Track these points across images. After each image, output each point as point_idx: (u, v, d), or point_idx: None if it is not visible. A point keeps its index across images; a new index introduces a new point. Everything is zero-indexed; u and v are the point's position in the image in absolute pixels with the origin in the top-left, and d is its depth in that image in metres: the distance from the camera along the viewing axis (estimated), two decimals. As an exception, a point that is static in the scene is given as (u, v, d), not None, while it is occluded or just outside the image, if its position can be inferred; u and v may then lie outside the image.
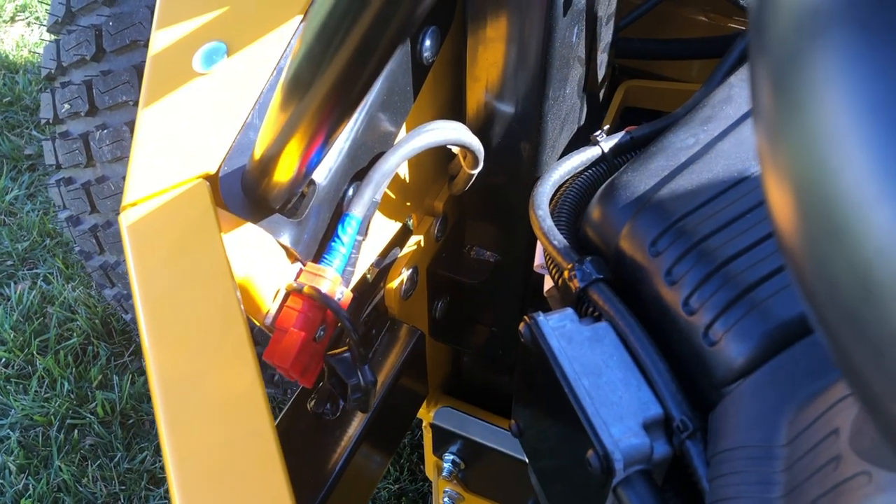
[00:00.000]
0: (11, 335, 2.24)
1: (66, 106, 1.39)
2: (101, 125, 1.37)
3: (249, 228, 0.73)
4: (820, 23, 0.26)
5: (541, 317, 0.72)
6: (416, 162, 0.99)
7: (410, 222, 1.08)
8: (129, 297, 1.60)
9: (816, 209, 0.29)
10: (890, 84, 0.26)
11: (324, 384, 0.91)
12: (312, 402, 0.94)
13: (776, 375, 0.61)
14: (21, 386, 2.16)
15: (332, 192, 0.80)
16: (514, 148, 0.97)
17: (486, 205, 1.07)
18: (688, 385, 0.66)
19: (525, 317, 0.73)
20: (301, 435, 0.92)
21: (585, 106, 1.11)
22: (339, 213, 0.81)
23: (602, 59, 1.13)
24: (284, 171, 0.69)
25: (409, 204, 1.03)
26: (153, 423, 2.08)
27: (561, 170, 0.90)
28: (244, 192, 0.74)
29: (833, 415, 0.52)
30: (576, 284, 0.75)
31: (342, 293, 0.78)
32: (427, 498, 1.91)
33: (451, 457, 1.43)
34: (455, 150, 0.94)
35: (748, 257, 0.66)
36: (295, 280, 0.77)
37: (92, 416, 2.07)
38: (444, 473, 1.44)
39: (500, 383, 1.40)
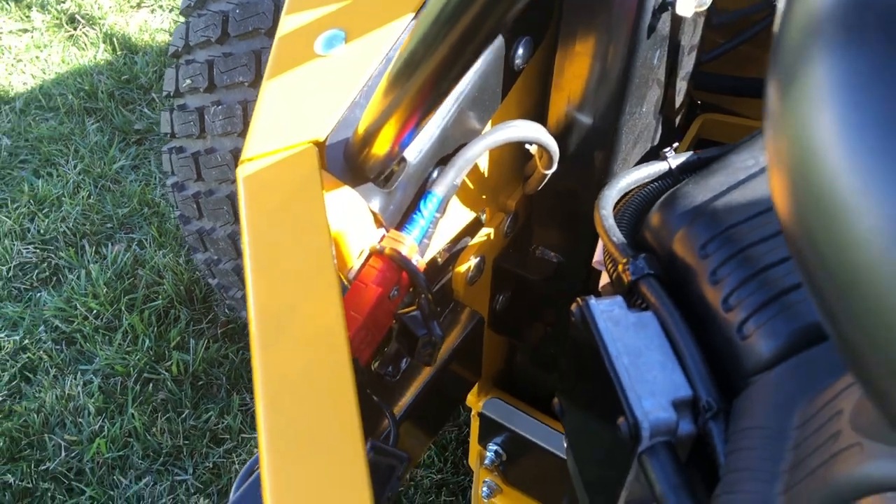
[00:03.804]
0: (104, 290, 2.42)
1: (188, 81, 1.53)
2: (216, 101, 1.51)
3: (346, 192, 0.84)
4: (815, 31, 0.34)
5: (592, 299, 0.80)
6: (496, 159, 1.08)
7: (484, 216, 1.17)
8: (218, 262, 1.74)
9: (806, 189, 0.37)
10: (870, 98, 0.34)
11: (389, 348, 1.01)
12: (377, 364, 1.04)
13: (798, 369, 0.67)
14: (107, 337, 2.33)
15: (419, 172, 0.90)
16: (588, 156, 1.06)
17: (556, 208, 1.16)
18: (718, 374, 0.74)
19: (577, 299, 0.81)
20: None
21: (661, 129, 1.18)
22: (422, 191, 0.91)
23: (681, 86, 1.20)
24: (381, 146, 0.80)
25: (484, 197, 1.12)
26: (221, 386, 2.22)
27: (629, 178, 0.98)
28: (345, 161, 0.84)
29: (839, 400, 0.59)
30: (628, 277, 0.82)
31: (417, 260, 0.88)
32: (466, 493, 1.99)
33: (495, 447, 1.50)
34: (532, 150, 1.03)
35: (785, 266, 0.73)
36: (378, 243, 0.87)
37: (166, 374, 2.23)
38: (485, 462, 1.52)
39: (549, 383, 1.47)
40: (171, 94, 1.60)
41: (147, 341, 2.30)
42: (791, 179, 0.38)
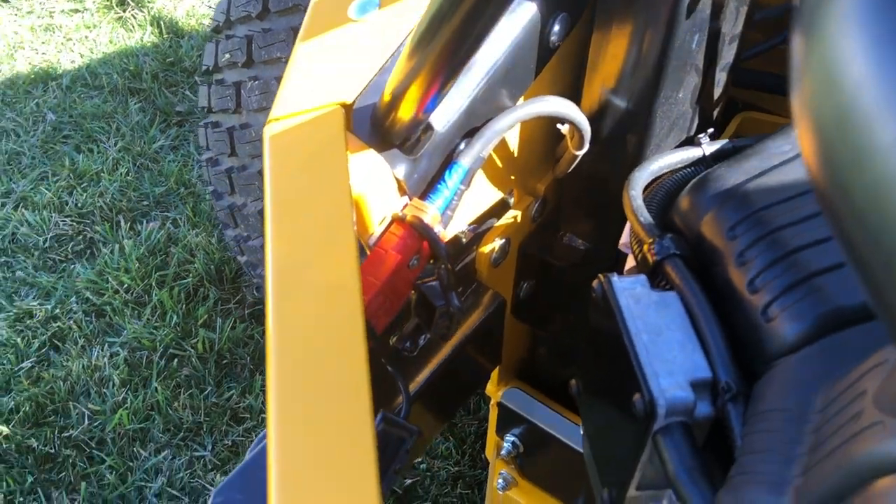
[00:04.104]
0: (136, 265, 2.45)
1: (227, 56, 1.55)
2: (253, 76, 1.52)
3: (371, 157, 0.84)
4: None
5: (614, 276, 0.78)
6: (526, 139, 1.07)
7: (511, 199, 1.16)
8: (247, 238, 1.75)
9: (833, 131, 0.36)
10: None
11: (408, 324, 1.00)
12: (395, 338, 1.03)
13: (823, 353, 0.65)
14: (136, 312, 2.36)
15: (445, 141, 0.89)
16: (621, 140, 1.04)
17: (586, 193, 1.14)
18: (739, 358, 0.71)
19: (599, 275, 0.79)
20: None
21: (697, 119, 1.16)
22: (448, 162, 0.90)
23: (720, 77, 1.18)
24: (406, 110, 0.79)
25: (513, 178, 1.11)
26: (245, 366, 2.23)
27: (660, 162, 0.96)
28: (372, 125, 0.84)
29: (863, 381, 0.57)
30: (653, 257, 0.81)
31: (439, 231, 0.87)
32: (482, 487, 1.97)
33: (513, 438, 1.49)
34: (564, 130, 1.02)
35: (816, 250, 0.71)
36: (400, 211, 0.86)
37: (192, 350, 2.25)
38: (502, 452, 1.50)
39: (571, 376, 1.45)
40: (210, 68, 1.62)
41: (175, 318, 2.32)
42: (820, 122, 0.36)
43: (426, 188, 0.90)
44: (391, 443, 0.90)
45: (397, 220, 0.85)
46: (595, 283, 0.79)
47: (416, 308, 0.91)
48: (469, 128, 0.91)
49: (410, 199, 0.88)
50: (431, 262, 0.90)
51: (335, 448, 0.68)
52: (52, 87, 3.16)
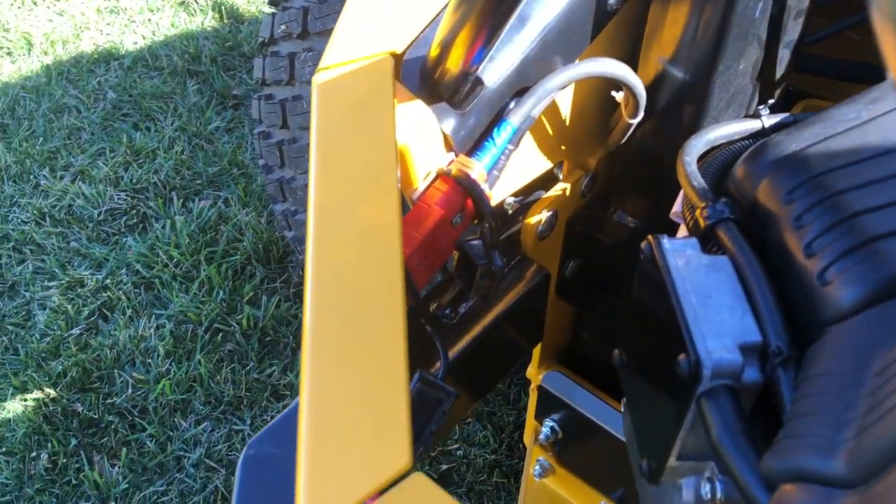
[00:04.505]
0: (186, 241, 2.49)
1: (283, 27, 1.55)
2: (307, 48, 1.52)
3: (419, 108, 0.82)
4: None
5: (664, 237, 0.76)
6: (579, 107, 1.05)
7: (560, 172, 1.14)
8: (295, 213, 1.76)
9: None
10: None
11: (450, 290, 0.98)
12: (435, 305, 1.01)
13: (882, 317, 0.62)
14: (184, 286, 2.39)
15: (495, 98, 0.87)
16: (677, 111, 1.01)
17: (638, 168, 1.11)
18: (792, 324, 0.68)
19: (649, 236, 0.77)
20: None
21: (757, 97, 1.12)
22: (497, 120, 0.88)
23: (783, 55, 1.14)
24: (454, 61, 0.78)
25: (563, 148, 1.09)
26: (287, 345, 2.24)
27: (718, 131, 0.92)
28: (421, 77, 0.83)
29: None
30: (705, 221, 0.78)
31: (485, 190, 0.85)
32: (519, 476, 1.94)
33: (551, 423, 1.46)
34: (618, 98, 0.99)
35: (878, 214, 0.67)
36: (446, 166, 0.85)
37: (236, 326, 2.27)
38: (540, 437, 1.47)
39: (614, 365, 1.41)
40: (266, 40, 1.63)
41: (221, 293, 2.34)
42: None
43: (473, 146, 0.88)
44: (428, 403, 0.89)
45: (442, 175, 0.84)
46: (643, 245, 0.77)
47: (457, 268, 0.90)
48: (520, 86, 0.89)
49: (457, 156, 0.87)
50: (475, 222, 0.89)
51: (368, 398, 0.66)
52: (114, 67, 3.24)
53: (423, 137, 0.84)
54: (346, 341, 0.65)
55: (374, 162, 0.76)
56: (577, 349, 1.47)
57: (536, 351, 1.42)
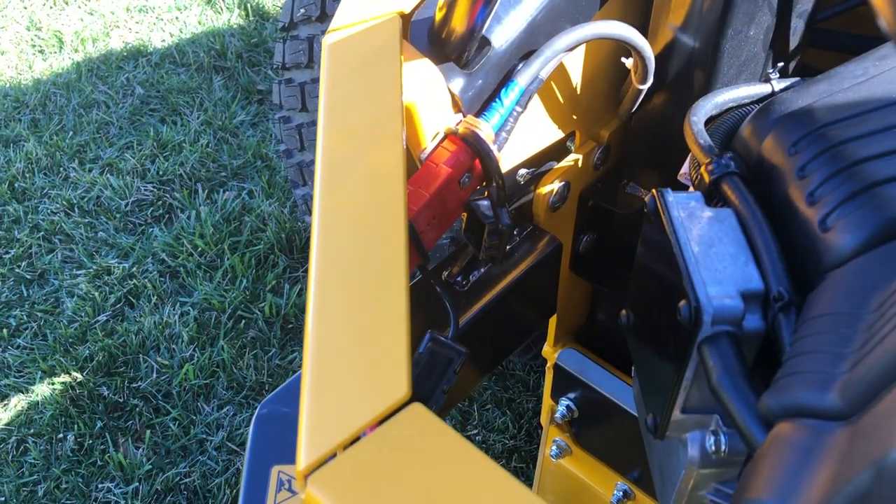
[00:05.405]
0: (211, 231, 2.52)
1: (302, 11, 1.58)
2: (326, 30, 1.54)
3: (426, 67, 0.84)
4: None
5: (668, 190, 0.76)
6: (589, 76, 1.05)
7: (572, 144, 1.14)
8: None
9: None
10: None
11: (461, 258, 1.00)
12: (447, 273, 1.02)
13: (881, 258, 0.62)
14: (208, 274, 2.43)
15: (503, 59, 0.88)
16: (687, 77, 1.01)
17: (649, 138, 1.12)
18: (794, 271, 0.68)
19: (653, 189, 0.77)
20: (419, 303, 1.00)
21: (769, 66, 1.12)
22: (505, 82, 0.89)
23: (797, 25, 1.13)
24: (458, 19, 0.79)
25: (574, 118, 1.09)
26: (308, 331, 2.26)
27: (727, 94, 0.92)
28: (429, 38, 0.84)
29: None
30: (710, 175, 0.78)
31: (493, 150, 0.86)
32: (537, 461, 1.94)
33: (567, 402, 1.46)
34: (628, 64, 1.00)
35: (880, 161, 0.67)
36: (454, 126, 0.86)
37: (259, 313, 2.29)
38: (556, 416, 1.47)
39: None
40: (286, 24, 1.65)
41: (244, 282, 2.38)
42: None
43: (481, 107, 0.89)
44: (439, 363, 0.90)
45: (450, 134, 0.85)
46: (648, 198, 0.77)
47: (465, 228, 0.91)
48: (528, 49, 0.90)
49: (465, 117, 0.88)
50: (483, 184, 0.90)
51: (369, 332, 0.66)
52: (143, 63, 3.29)
53: (431, 97, 0.85)
54: (350, 281, 0.67)
55: (379, 114, 0.77)
56: (592, 327, 1.47)
57: (552, 330, 1.42)
